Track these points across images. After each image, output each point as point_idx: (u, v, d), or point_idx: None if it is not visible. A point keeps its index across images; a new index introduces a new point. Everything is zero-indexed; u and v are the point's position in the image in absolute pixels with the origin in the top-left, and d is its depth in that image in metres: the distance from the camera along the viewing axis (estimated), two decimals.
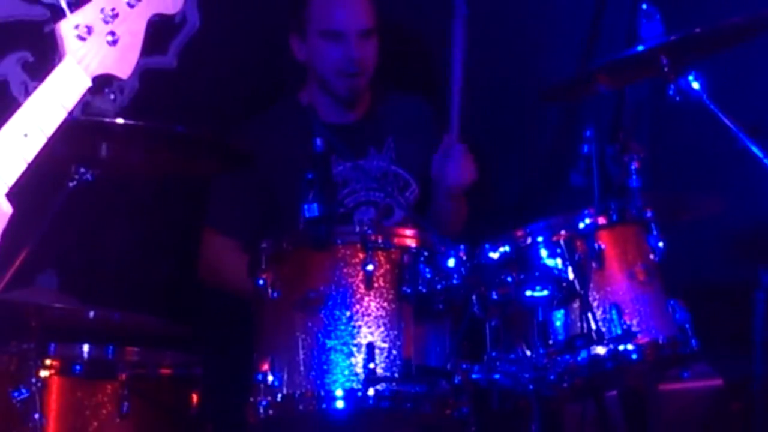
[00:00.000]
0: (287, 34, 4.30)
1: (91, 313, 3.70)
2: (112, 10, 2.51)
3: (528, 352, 3.41)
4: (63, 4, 2.48)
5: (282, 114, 4.34)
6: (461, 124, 4.12)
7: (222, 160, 3.75)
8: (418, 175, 4.35)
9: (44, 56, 4.53)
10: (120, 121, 3.38)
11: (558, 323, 3.43)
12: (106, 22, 2.50)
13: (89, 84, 2.50)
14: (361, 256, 3.38)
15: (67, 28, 2.48)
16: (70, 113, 2.49)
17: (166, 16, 2.61)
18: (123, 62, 2.53)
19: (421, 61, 4.70)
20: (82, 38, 2.48)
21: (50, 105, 2.46)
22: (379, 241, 3.40)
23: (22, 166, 2.45)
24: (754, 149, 3.40)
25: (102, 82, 2.59)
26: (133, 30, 2.54)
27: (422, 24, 4.66)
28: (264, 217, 4.21)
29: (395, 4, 4.52)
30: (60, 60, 2.49)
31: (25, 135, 2.44)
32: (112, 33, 2.51)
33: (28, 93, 4.51)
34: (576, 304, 3.41)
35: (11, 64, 4.54)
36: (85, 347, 3.75)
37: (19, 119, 2.44)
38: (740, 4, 4.28)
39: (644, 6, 3.58)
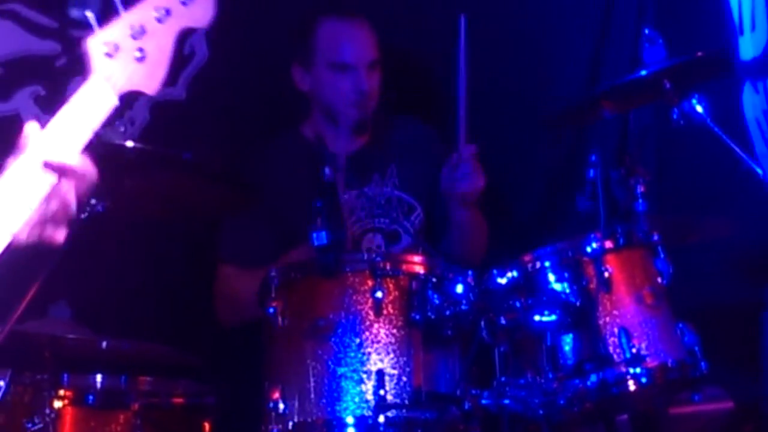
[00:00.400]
0: (287, 71, 4.32)
1: (104, 344, 3.71)
2: (141, 26, 2.46)
3: (537, 377, 3.42)
4: (92, 20, 2.43)
5: (286, 145, 4.34)
6: (467, 133, 4.11)
7: (232, 190, 3.76)
8: (423, 199, 4.36)
9: (56, 90, 4.58)
10: (130, 143, 3.40)
11: (567, 348, 3.43)
12: (134, 38, 2.45)
13: (116, 102, 2.45)
14: (370, 283, 3.40)
15: (94, 45, 2.43)
16: (96, 132, 2.45)
17: (195, 29, 2.56)
18: (151, 79, 2.48)
19: (420, 82, 4.71)
20: (109, 55, 2.43)
21: (76, 123, 2.42)
22: (388, 268, 3.42)
23: (49, 185, 2.44)
24: (757, 170, 3.42)
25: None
26: (161, 46, 2.48)
27: (418, 44, 4.68)
28: (276, 248, 4.22)
29: (393, 28, 4.54)
30: (87, 76, 2.44)
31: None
32: (141, 49, 2.46)
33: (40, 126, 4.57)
34: (584, 329, 3.41)
35: (24, 98, 4.58)
36: (98, 377, 3.77)
37: (45, 138, 2.42)
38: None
39: (647, 31, 3.61)
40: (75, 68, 4.44)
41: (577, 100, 4.35)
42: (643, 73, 3.51)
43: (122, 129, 3.69)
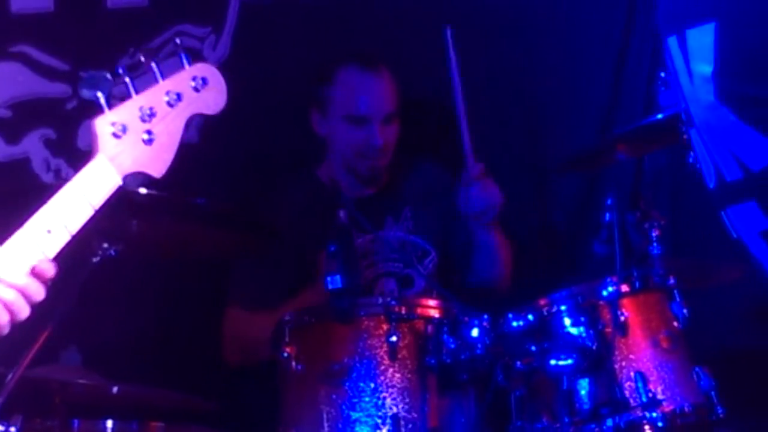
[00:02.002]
0: (307, 109, 4.32)
1: (115, 389, 3.68)
2: (150, 109, 2.45)
3: (553, 422, 3.40)
4: (102, 100, 2.42)
5: (300, 187, 4.31)
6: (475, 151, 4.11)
7: (246, 235, 3.74)
8: (437, 242, 4.32)
9: (66, 133, 4.58)
10: (143, 191, 3.38)
11: (583, 392, 3.42)
12: (144, 121, 2.45)
13: (120, 182, 2.44)
14: (385, 327, 3.39)
15: (102, 125, 2.42)
16: (97, 211, 2.42)
17: (205, 116, 2.57)
18: (157, 161, 2.47)
19: (430, 117, 4.71)
20: (117, 136, 2.42)
21: (77, 202, 2.40)
22: (403, 312, 3.41)
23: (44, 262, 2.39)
24: None
25: None
26: (170, 130, 2.48)
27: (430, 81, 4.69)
28: (286, 291, 4.19)
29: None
30: (93, 156, 2.42)
31: (49, 231, 2.37)
32: (149, 132, 2.45)
33: (50, 169, 4.57)
34: (601, 373, 3.40)
35: (34, 142, 4.58)
36: (109, 423, 3.73)
37: (44, 214, 2.38)
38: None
39: (662, 74, 3.60)
40: (85, 111, 4.45)
41: (591, 144, 4.33)
42: (659, 116, 3.50)
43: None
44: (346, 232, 3.40)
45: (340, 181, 4.24)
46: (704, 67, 2.33)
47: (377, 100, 4.17)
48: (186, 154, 4.44)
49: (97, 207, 2.42)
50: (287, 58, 4.50)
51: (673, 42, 2.43)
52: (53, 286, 2.53)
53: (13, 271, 2.35)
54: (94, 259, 3.41)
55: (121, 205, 3.40)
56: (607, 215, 3.53)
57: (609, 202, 3.54)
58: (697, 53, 2.34)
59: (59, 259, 2.47)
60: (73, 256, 3.02)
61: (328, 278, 3.31)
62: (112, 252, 3.42)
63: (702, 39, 2.31)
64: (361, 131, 4.16)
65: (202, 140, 4.56)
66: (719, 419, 3.47)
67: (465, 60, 4.21)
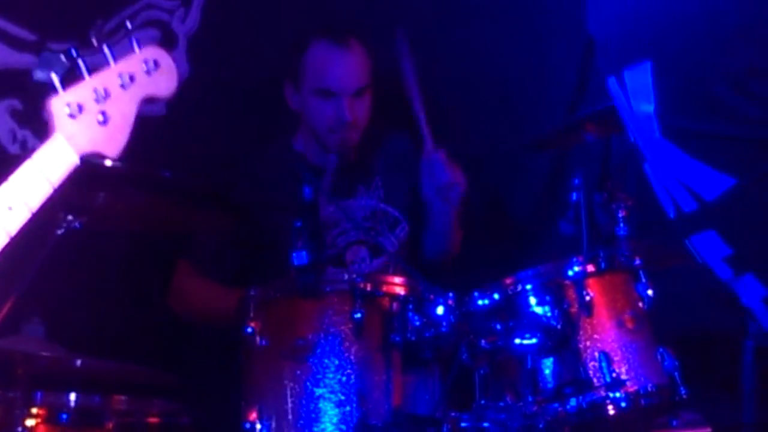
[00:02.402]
0: (278, 82, 4.30)
1: (78, 362, 3.67)
2: (105, 90, 2.53)
3: (517, 401, 3.40)
4: (56, 81, 2.48)
5: (275, 156, 4.33)
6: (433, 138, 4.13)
7: (212, 210, 3.74)
8: (408, 211, 4.34)
9: (33, 104, 4.54)
10: (108, 163, 3.36)
11: (547, 371, 3.43)
12: (98, 102, 2.52)
13: (77, 161, 2.51)
14: (350, 304, 3.39)
15: (58, 105, 2.49)
16: (56, 189, 2.49)
17: (157, 98, 2.65)
18: (112, 142, 2.55)
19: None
20: (72, 116, 2.49)
21: (36, 180, 2.47)
22: (368, 288, 3.40)
23: (3, 240, 2.45)
24: None
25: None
26: (124, 111, 2.56)
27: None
28: (246, 261, 4.20)
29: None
30: (49, 135, 2.50)
31: (10, 208, 2.44)
32: (103, 113, 2.52)
33: (16, 140, 4.53)
34: (565, 352, 3.40)
35: (0, 112, 4.54)
36: (72, 396, 3.73)
37: (4, 192, 2.45)
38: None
39: None
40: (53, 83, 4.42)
41: (560, 124, 4.34)
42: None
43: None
44: (312, 209, 3.39)
45: (310, 151, 4.25)
46: (646, 106, 2.35)
47: (347, 74, 4.17)
48: (153, 127, 4.45)
49: (55, 184, 2.48)
50: (256, 31, 4.47)
51: (612, 82, 2.45)
52: (16, 258, 2.53)
53: None
54: (58, 232, 3.39)
55: (86, 177, 3.38)
56: (574, 195, 3.52)
57: (576, 181, 3.54)
58: (637, 92, 2.36)
59: (23, 230, 2.48)
60: (36, 228, 3.01)
61: (294, 254, 3.31)
62: (77, 224, 3.41)
63: (639, 78, 2.34)
64: (331, 105, 4.16)
65: (169, 113, 4.53)
66: (682, 400, 3.49)
67: (434, 40, 4.21)
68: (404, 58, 4.15)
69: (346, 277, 3.47)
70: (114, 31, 2.71)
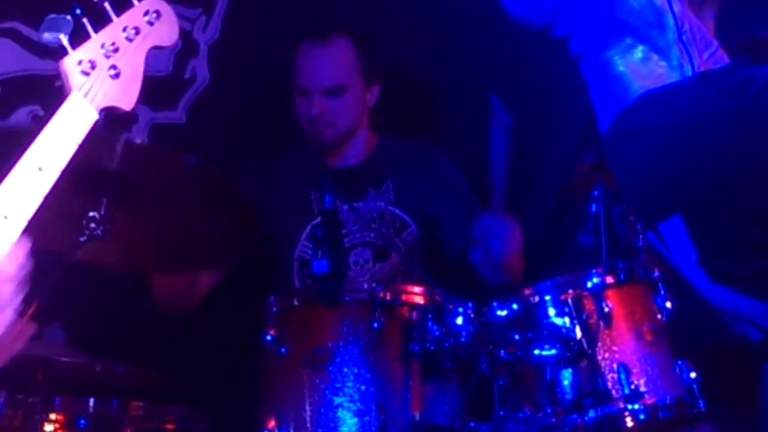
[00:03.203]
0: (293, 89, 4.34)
1: (98, 367, 3.69)
2: (112, 44, 2.57)
3: (536, 412, 3.40)
4: (65, 42, 2.51)
5: (290, 160, 4.39)
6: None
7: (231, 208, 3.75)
8: (418, 216, 4.34)
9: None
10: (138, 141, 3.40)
11: (566, 382, 3.42)
12: (108, 57, 2.56)
13: (96, 116, 2.55)
14: (370, 312, 3.39)
15: (70, 64, 2.53)
16: (80, 146, 2.53)
17: (163, 47, 2.68)
18: (126, 94, 2.60)
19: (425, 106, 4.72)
20: (86, 73, 2.53)
21: (61, 139, 2.50)
22: (388, 298, 3.41)
23: (39, 200, 2.49)
24: None
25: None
26: (133, 63, 2.60)
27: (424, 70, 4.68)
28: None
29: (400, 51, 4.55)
30: (66, 95, 2.54)
31: (40, 169, 2.48)
32: (114, 66, 2.57)
33: None
34: (584, 363, 3.40)
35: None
36: (91, 401, 3.74)
37: (32, 154, 2.48)
38: None
39: None
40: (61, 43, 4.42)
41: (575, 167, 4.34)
42: None
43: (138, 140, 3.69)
44: (332, 217, 3.40)
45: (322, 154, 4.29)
46: (688, 256, 2.38)
47: (317, 72, 4.23)
48: (173, 133, 4.47)
49: (79, 141, 2.52)
50: (276, 39, 4.49)
51: (652, 237, 2.48)
52: (40, 265, 2.56)
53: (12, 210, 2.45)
54: (81, 239, 3.41)
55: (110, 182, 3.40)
56: (593, 206, 3.53)
57: (596, 192, 3.54)
58: (677, 245, 2.38)
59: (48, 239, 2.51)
60: (61, 236, 3.03)
61: (314, 262, 3.32)
62: (99, 232, 3.41)
63: (675, 231, 2.36)
64: (304, 102, 4.24)
65: (189, 120, 4.56)
66: (701, 413, 3.48)
67: (454, 58, 4.23)
68: (496, 122, 4.11)
69: (366, 285, 3.48)
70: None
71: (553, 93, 4.65)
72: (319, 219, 4.00)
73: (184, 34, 4.57)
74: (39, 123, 2.53)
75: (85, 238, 3.39)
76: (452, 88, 4.66)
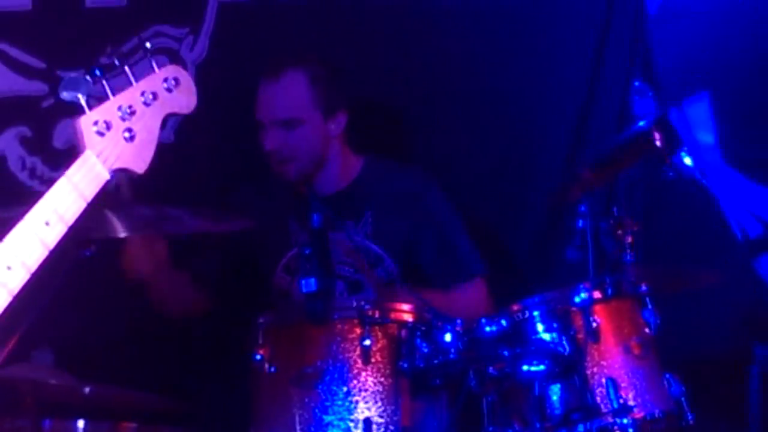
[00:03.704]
0: None
1: (87, 389, 3.68)
2: (129, 107, 2.62)
3: (525, 427, 3.41)
4: (82, 101, 2.56)
5: (271, 187, 4.32)
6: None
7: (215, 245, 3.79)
8: (396, 251, 4.25)
9: (42, 131, 4.57)
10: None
11: (554, 397, 3.43)
12: (124, 119, 2.61)
13: (108, 177, 2.60)
14: (359, 331, 3.40)
15: (86, 123, 2.57)
16: (89, 204, 2.57)
17: (179, 114, 2.74)
18: (139, 158, 2.64)
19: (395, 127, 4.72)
20: (101, 134, 2.58)
21: (71, 196, 2.55)
22: (377, 315, 3.42)
23: (44, 253, 2.54)
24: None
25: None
26: (149, 127, 2.65)
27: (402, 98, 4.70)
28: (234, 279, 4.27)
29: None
30: (79, 153, 2.58)
31: (47, 223, 2.52)
32: (129, 129, 2.61)
33: (25, 167, 4.56)
34: (572, 379, 3.41)
35: (9, 140, 4.58)
36: (80, 423, 3.74)
37: (40, 208, 2.53)
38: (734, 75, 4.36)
39: (637, 83, 3.62)
40: (61, 110, 4.44)
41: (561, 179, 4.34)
42: (642, 123, 3.52)
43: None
44: (320, 236, 3.40)
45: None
46: (706, 136, 2.39)
47: (267, 105, 4.19)
48: (162, 153, 4.47)
49: (89, 199, 2.57)
50: (264, 59, 4.49)
51: (673, 113, 2.49)
52: (28, 287, 2.57)
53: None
54: (69, 260, 3.40)
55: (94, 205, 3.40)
56: (580, 222, 3.54)
57: (582, 208, 3.55)
58: (698, 123, 2.40)
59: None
60: (48, 258, 3.03)
61: (303, 281, 3.31)
62: (87, 253, 3.41)
63: (699, 110, 2.37)
64: (263, 136, 4.19)
65: (177, 140, 4.57)
66: (689, 426, 3.50)
67: (442, 68, 4.23)
68: None
69: (355, 303, 3.49)
70: (131, 52, 2.79)
71: (540, 108, 4.67)
72: (295, 250, 4.08)
73: (172, 54, 4.58)
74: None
75: (73, 259, 3.39)
76: (434, 104, 4.66)
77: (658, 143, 3.44)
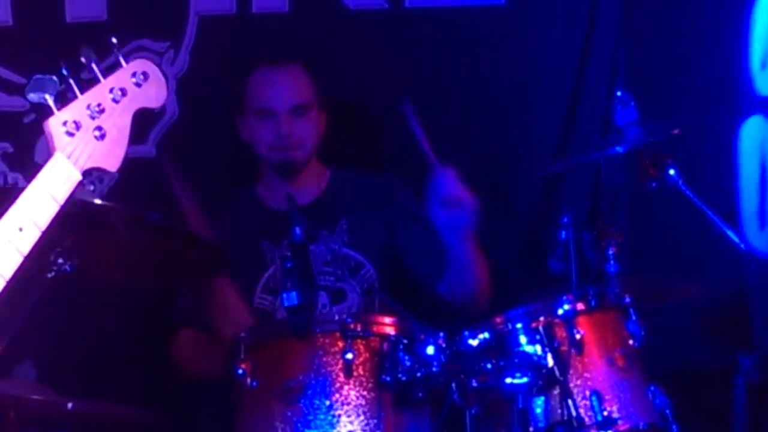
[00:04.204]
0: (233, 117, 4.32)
1: (70, 405, 3.66)
2: (98, 105, 2.59)
3: None
4: (50, 102, 2.54)
5: (240, 208, 4.30)
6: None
7: (199, 252, 3.73)
8: (376, 255, 4.26)
9: (24, 147, 4.55)
10: (98, 201, 3.39)
11: (538, 410, 3.42)
12: (93, 118, 2.58)
13: (80, 178, 2.57)
14: (341, 344, 3.39)
15: (55, 124, 2.54)
16: (62, 206, 2.55)
17: (149, 109, 2.70)
18: (111, 156, 2.61)
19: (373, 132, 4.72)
20: (70, 134, 2.55)
21: (43, 199, 2.52)
22: (359, 329, 3.41)
23: (18, 259, 2.51)
24: (730, 234, 3.43)
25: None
26: (119, 124, 2.62)
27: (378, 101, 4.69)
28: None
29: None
30: (49, 155, 2.55)
31: (20, 229, 2.50)
32: (99, 128, 2.58)
33: (7, 183, 4.54)
34: (556, 391, 3.40)
35: None
36: None
37: (13, 214, 2.50)
38: (708, 87, 4.38)
39: (619, 93, 3.63)
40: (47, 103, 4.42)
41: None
42: (619, 150, 3.54)
43: (91, 187, 3.67)
44: (301, 249, 3.39)
45: (273, 194, 4.23)
46: None
47: (282, 91, 4.19)
48: (143, 168, 4.46)
49: (61, 202, 2.55)
50: (245, 73, 4.49)
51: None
52: (8, 302, 2.55)
53: None
54: (49, 275, 3.39)
55: (75, 218, 3.38)
56: (563, 233, 3.53)
57: (565, 219, 3.54)
58: None
59: (14, 274, 2.51)
60: (27, 272, 3.01)
61: (284, 294, 3.30)
62: (68, 267, 3.40)
63: None
64: (270, 123, 4.18)
65: (158, 154, 4.55)
66: None
67: (423, 76, 4.21)
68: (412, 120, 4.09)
69: (337, 317, 3.47)
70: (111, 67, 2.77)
71: (531, 102, 4.67)
72: (272, 269, 4.06)
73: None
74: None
75: (52, 274, 3.37)
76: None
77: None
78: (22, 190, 2.55)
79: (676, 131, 3.57)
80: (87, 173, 2.59)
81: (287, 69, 4.22)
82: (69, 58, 4.39)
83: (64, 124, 2.54)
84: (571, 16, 4.65)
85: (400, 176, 4.37)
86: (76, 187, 2.58)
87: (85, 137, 2.56)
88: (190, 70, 4.63)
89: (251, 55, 4.51)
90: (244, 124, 4.27)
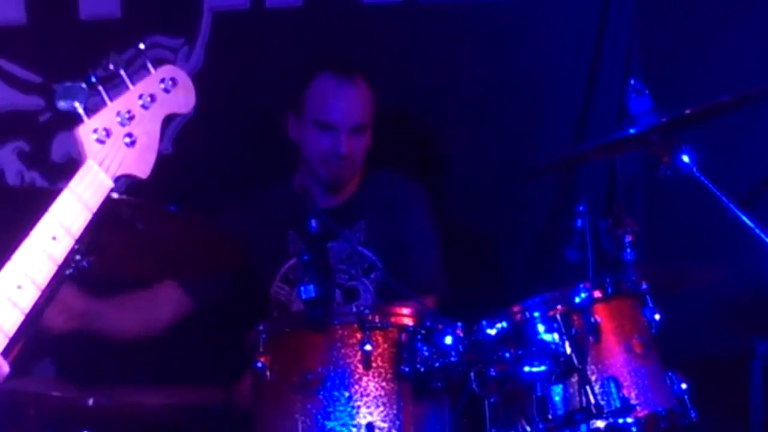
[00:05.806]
0: (282, 117, 4.31)
1: (90, 401, 3.68)
2: (128, 112, 2.60)
3: (528, 428, 3.40)
4: (80, 110, 2.54)
5: (274, 197, 4.34)
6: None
7: (217, 247, 3.75)
8: (386, 257, 4.28)
9: (40, 146, 4.57)
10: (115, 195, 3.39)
11: (557, 398, 3.42)
12: (123, 125, 2.59)
13: (112, 185, 2.59)
14: (359, 336, 3.39)
15: (85, 132, 2.55)
16: (95, 214, 2.56)
17: (179, 114, 2.73)
18: (142, 162, 2.63)
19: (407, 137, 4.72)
20: (101, 141, 2.56)
21: (75, 207, 2.53)
22: (377, 320, 3.41)
23: (53, 268, 2.53)
24: (746, 220, 3.42)
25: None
26: (149, 131, 2.63)
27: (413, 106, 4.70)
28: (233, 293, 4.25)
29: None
30: (81, 163, 2.56)
31: (54, 238, 2.51)
32: (130, 135, 2.60)
33: (24, 182, 4.56)
34: (574, 379, 3.40)
35: (7, 154, 4.58)
36: None
37: (46, 223, 2.51)
38: (725, 75, 4.36)
39: (633, 82, 3.62)
40: (59, 123, 4.45)
41: (562, 155, 4.35)
42: (632, 131, 3.53)
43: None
44: (319, 241, 3.40)
45: (309, 189, 4.25)
46: None
47: (347, 109, 4.19)
48: (160, 165, 4.46)
49: (94, 210, 2.56)
50: (260, 69, 4.51)
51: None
52: None
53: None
54: (67, 272, 3.40)
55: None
56: (579, 221, 3.53)
57: (581, 208, 3.54)
58: None
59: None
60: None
61: (302, 288, 3.30)
62: (85, 264, 3.40)
63: None
64: (328, 138, 4.19)
65: (175, 151, 4.57)
66: (692, 423, 3.49)
67: (440, 64, 4.22)
68: None
69: (354, 309, 3.48)
70: (130, 60, 2.76)
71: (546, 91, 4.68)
72: (294, 261, 4.07)
73: (167, 64, 4.57)
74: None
75: (71, 270, 3.38)
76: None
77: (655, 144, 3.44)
78: (40, 190, 2.57)
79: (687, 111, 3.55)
80: (117, 180, 2.60)
81: (354, 83, 4.21)
82: (82, 56, 4.46)
83: (95, 131, 2.55)
84: (585, 6, 4.65)
85: (421, 186, 4.40)
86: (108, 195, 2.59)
87: (115, 144, 2.57)
88: (205, 66, 4.64)
89: (265, 56, 4.54)
90: (298, 126, 4.28)
